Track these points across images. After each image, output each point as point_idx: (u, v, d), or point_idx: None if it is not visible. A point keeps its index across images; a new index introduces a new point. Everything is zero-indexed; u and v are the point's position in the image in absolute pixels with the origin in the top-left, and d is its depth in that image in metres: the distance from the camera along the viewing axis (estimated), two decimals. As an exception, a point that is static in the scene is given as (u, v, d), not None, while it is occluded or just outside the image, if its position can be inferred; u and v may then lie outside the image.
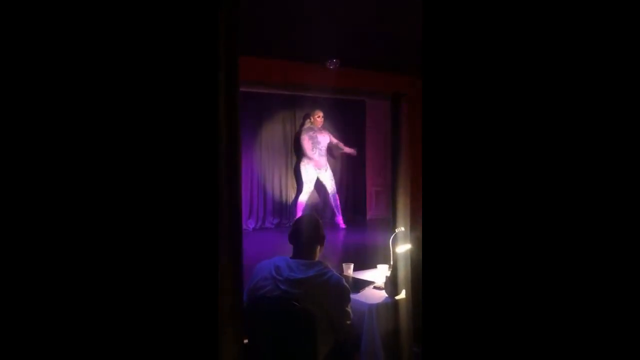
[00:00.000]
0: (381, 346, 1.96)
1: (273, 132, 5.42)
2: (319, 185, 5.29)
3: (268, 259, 1.79)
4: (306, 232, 1.80)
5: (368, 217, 6.01)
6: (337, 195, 5.24)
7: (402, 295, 2.05)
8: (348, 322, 1.79)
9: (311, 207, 5.45)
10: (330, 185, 5.19)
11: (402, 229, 2.31)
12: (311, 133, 5.15)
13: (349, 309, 1.79)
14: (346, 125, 5.79)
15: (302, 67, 4.72)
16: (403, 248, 2.16)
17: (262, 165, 5.36)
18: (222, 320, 1.34)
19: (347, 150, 5.38)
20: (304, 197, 5.12)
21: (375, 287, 2.20)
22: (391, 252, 2.33)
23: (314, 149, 5.12)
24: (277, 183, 5.45)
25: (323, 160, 5.18)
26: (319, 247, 1.82)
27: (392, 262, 2.33)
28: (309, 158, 5.11)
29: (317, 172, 5.14)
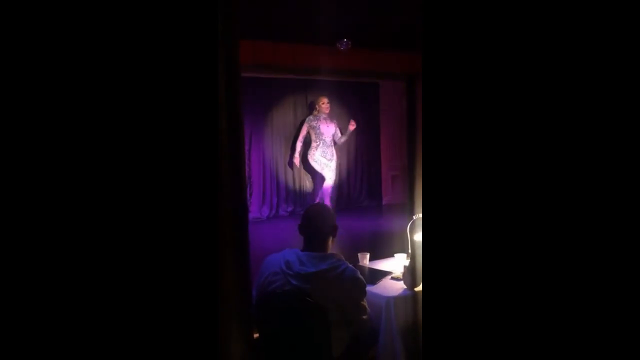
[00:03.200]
0: (400, 340, 1.86)
1: (284, 118, 5.30)
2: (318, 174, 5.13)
3: (277, 252, 1.70)
4: (317, 222, 1.69)
5: (384, 202, 5.89)
6: (333, 189, 4.95)
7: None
8: (364, 316, 1.69)
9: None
10: (330, 177, 4.92)
11: (420, 215, 2.19)
12: (314, 123, 4.89)
13: (364, 303, 1.69)
14: (359, 108, 5.63)
15: (312, 49, 4.58)
16: (422, 236, 2.04)
17: (274, 153, 5.26)
18: (225, 318, 1.28)
19: (344, 137, 4.99)
20: (329, 182, 4.90)
21: (393, 278, 2.09)
22: (409, 240, 2.22)
23: (317, 140, 4.88)
24: (289, 170, 5.35)
25: (329, 151, 4.92)
26: (331, 238, 1.71)
27: (410, 251, 2.22)
28: (315, 148, 4.89)
29: (325, 160, 4.92)
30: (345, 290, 1.62)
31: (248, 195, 5.03)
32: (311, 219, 1.71)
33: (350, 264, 1.74)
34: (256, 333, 1.66)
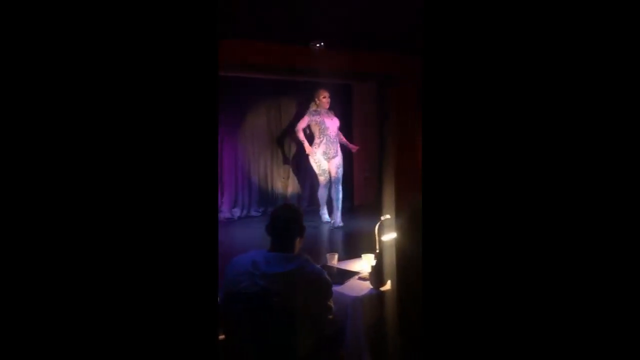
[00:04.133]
0: (366, 339, 1.89)
1: (256, 119, 5.28)
2: (308, 173, 5.09)
3: (243, 253, 1.70)
4: (285, 223, 1.70)
5: (356, 203, 5.93)
6: (340, 187, 4.53)
7: (388, 286, 1.98)
8: (330, 317, 1.71)
9: (294, 197, 5.34)
10: (335, 172, 4.54)
11: (388, 216, 2.23)
12: (316, 118, 4.51)
13: (330, 303, 1.71)
14: (332, 109, 5.66)
15: (284, 49, 4.57)
16: (388, 237, 2.08)
17: (246, 153, 5.23)
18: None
19: (349, 145, 4.75)
20: (323, 190, 4.59)
21: (360, 278, 2.12)
22: (376, 240, 2.25)
23: (321, 136, 4.46)
24: (262, 171, 5.34)
25: (334, 147, 4.48)
26: (298, 239, 1.72)
27: (377, 251, 2.25)
28: (317, 145, 4.49)
29: (327, 161, 4.49)
30: (312, 290, 1.63)
31: (219, 196, 4.99)
32: (278, 219, 1.72)
33: (319, 264, 1.76)
34: (222, 334, 1.66)
